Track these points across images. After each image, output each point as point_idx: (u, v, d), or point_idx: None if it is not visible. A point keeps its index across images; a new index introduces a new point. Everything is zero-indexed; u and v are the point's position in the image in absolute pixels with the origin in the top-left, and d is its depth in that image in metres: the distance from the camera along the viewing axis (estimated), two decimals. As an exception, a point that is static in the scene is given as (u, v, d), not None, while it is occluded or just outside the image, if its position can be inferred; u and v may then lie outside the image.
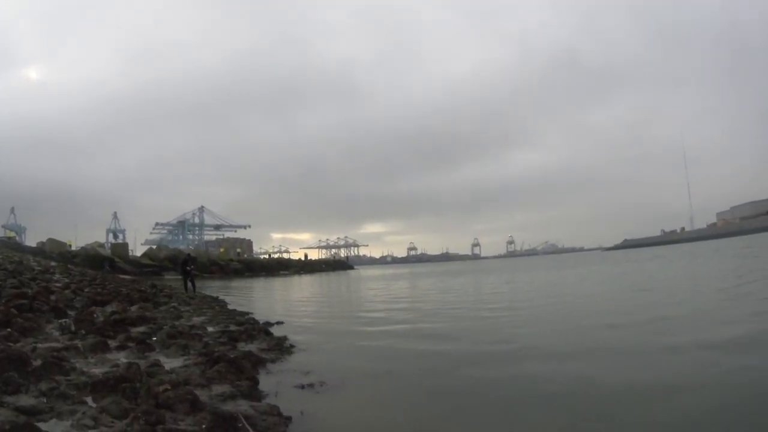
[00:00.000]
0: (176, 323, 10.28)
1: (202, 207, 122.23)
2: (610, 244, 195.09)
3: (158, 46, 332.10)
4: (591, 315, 10.95)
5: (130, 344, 7.35)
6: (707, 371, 5.65)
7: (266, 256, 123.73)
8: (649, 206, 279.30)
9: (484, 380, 6.04)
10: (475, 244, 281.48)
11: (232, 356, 6.73)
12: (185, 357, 7.03)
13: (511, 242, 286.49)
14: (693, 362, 6.16)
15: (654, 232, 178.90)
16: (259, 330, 10.24)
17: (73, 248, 65.44)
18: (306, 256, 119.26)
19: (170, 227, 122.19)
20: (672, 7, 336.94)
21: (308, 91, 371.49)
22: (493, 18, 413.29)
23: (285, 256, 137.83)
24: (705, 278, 20.01)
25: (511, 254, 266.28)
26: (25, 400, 4.11)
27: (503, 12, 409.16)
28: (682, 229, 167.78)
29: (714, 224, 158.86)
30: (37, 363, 5.04)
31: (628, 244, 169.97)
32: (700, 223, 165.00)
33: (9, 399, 4.05)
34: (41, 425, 3.65)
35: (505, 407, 5.04)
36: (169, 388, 4.72)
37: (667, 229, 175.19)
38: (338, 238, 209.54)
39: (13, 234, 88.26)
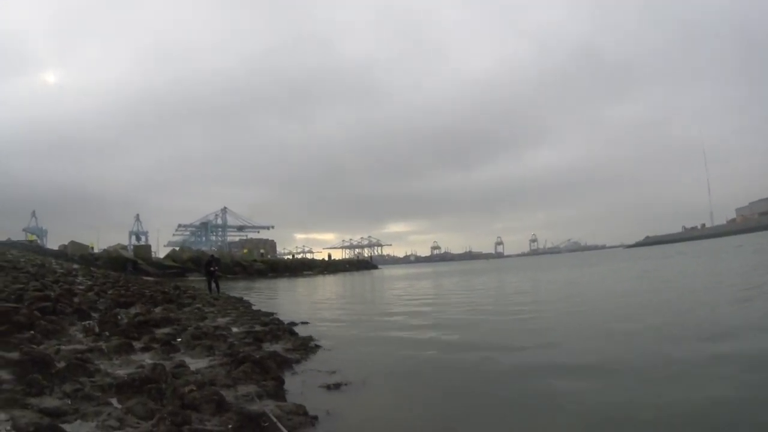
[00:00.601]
0: (201, 324, 10.34)
1: (225, 208, 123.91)
2: (632, 241, 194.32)
3: (176, 47, 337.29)
4: (611, 319, 10.34)
5: (155, 345, 7.39)
6: (731, 393, 5.03)
7: (290, 257, 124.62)
8: (670, 203, 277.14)
9: (502, 383, 6.00)
10: (499, 243, 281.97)
11: (257, 356, 6.72)
12: (210, 358, 7.04)
13: (534, 240, 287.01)
14: (712, 381, 5.45)
15: (675, 228, 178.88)
16: (284, 330, 10.27)
17: (96, 251, 66.62)
18: (329, 256, 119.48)
19: (193, 229, 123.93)
20: (690, 1, 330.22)
21: (328, 91, 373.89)
22: (511, 15, 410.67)
23: (308, 256, 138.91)
24: (727, 275, 19.46)
25: (534, 252, 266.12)
26: (50, 402, 4.12)
27: (521, 9, 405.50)
28: (703, 225, 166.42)
29: (733, 220, 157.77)
30: (61, 365, 5.06)
31: (649, 241, 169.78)
32: (720, 219, 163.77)
33: (33, 401, 4.06)
34: (66, 426, 3.65)
35: (522, 410, 5.03)
36: (194, 388, 4.71)
37: (688, 226, 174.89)
38: (362, 238, 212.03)
39: (34, 237, 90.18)
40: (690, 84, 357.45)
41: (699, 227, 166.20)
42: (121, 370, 5.68)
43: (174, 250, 75.55)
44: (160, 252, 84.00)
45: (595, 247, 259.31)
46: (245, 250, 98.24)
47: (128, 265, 52.40)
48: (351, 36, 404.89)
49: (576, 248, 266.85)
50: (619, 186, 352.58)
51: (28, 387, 4.28)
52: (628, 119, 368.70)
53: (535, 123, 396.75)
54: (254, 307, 16.62)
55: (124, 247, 70.55)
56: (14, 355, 5.10)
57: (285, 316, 13.45)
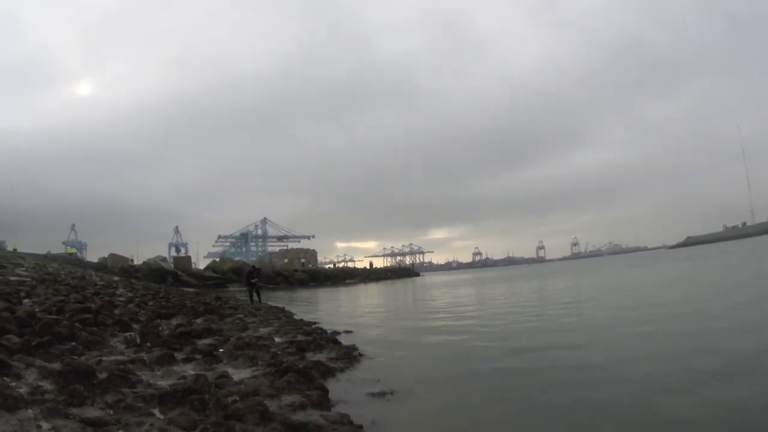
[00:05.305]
0: (243, 334, 10.47)
1: (265, 219, 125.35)
2: (674, 242, 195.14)
3: (210, 54, 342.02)
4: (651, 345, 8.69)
5: (197, 356, 7.52)
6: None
7: (331, 266, 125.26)
8: (712, 201, 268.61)
9: (550, 393, 5.96)
10: (540, 247, 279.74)
11: (300, 366, 6.78)
12: (253, 368, 7.12)
13: (575, 244, 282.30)
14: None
15: (716, 227, 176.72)
16: (327, 339, 10.33)
17: (135, 263, 68.27)
18: (371, 264, 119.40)
19: (233, 240, 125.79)
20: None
21: (368, 93, 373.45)
22: (553, 9, 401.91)
23: (350, 265, 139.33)
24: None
25: (576, 256, 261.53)
26: (91, 412, 4.20)
27: (564, 2, 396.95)
28: (744, 223, 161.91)
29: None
30: (103, 376, 5.18)
31: (690, 242, 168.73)
32: (762, 217, 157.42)
33: (75, 411, 4.15)
34: (108, 437, 3.70)
35: (570, 418, 5.06)
36: (238, 399, 4.74)
37: (729, 225, 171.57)
38: (403, 245, 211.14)
39: (74, 250, 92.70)
40: (731, 78, 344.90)
41: (740, 226, 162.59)
42: (163, 381, 5.79)
43: (214, 261, 76.72)
44: (200, 263, 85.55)
45: (637, 249, 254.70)
46: (286, 260, 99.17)
47: (168, 277, 53.55)
48: (389, 34, 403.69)
49: (618, 251, 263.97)
50: (660, 185, 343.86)
51: (70, 397, 4.39)
52: (672, 116, 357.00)
53: (578, 121, 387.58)
54: (296, 317, 16.79)
55: (164, 259, 72.00)
56: (56, 365, 5.25)
57: (327, 326, 13.56)
